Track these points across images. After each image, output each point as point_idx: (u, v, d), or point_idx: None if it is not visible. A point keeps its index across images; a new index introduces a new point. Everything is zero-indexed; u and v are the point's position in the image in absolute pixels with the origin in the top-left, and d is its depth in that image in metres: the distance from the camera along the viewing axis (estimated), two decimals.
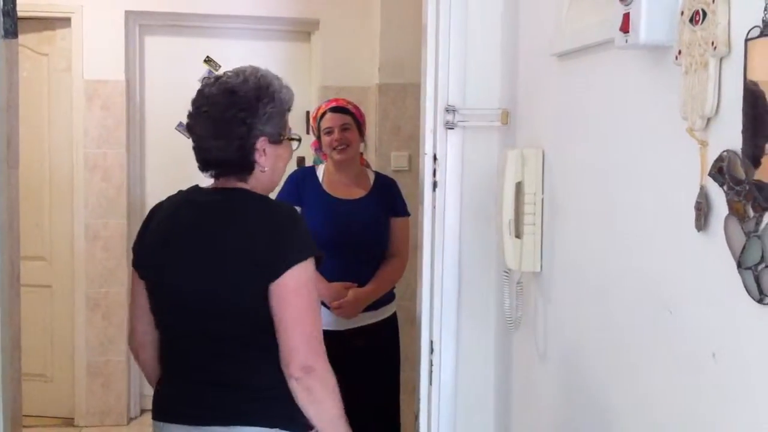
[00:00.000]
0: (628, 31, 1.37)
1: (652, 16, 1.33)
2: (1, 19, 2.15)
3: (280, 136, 1.85)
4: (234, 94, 1.79)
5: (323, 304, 2.85)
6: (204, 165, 1.85)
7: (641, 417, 1.43)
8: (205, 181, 1.90)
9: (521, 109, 2.17)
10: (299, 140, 1.92)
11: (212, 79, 1.84)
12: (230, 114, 1.78)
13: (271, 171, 1.85)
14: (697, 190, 1.22)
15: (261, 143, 1.80)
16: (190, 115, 1.83)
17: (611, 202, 1.57)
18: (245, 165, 1.82)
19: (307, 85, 4.48)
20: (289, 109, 1.88)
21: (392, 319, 3.13)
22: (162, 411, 1.86)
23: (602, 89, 1.64)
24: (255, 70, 1.85)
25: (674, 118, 1.27)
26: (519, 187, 1.98)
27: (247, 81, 1.81)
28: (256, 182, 1.85)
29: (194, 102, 1.83)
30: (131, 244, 1.96)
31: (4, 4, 2.15)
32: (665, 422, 1.34)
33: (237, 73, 1.84)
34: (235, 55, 3.95)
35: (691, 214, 1.23)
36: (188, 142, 1.88)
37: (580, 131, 1.76)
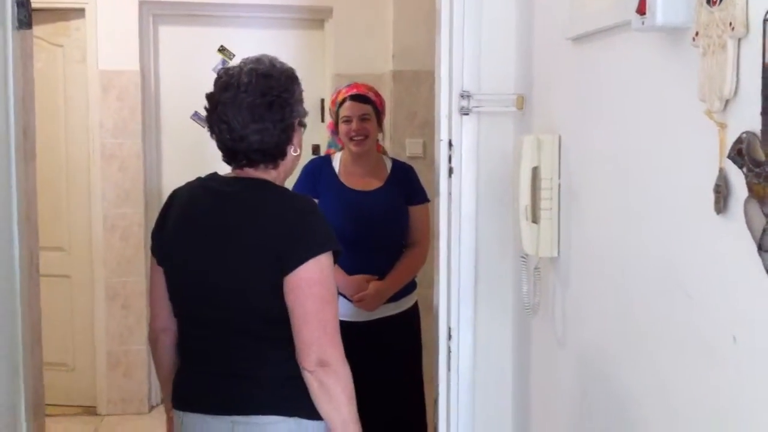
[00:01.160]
0: (644, 13, 1.35)
1: None
2: (16, 10, 2.16)
3: (304, 119, 1.88)
4: (270, 78, 1.79)
5: (343, 296, 2.85)
6: (233, 155, 1.83)
7: (660, 401, 1.43)
8: (222, 168, 1.90)
9: (536, 94, 2.16)
10: (304, 126, 1.92)
11: (237, 69, 1.82)
12: (271, 97, 1.77)
13: (295, 156, 1.88)
14: (716, 173, 1.21)
15: (296, 124, 1.83)
16: (218, 103, 1.79)
17: (628, 186, 1.56)
18: (280, 151, 1.82)
19: (321, 73, 4.48)
20: None
21: (414, 310, 3.09)
22: (182, 400, 1.87)
23: (618, 72, 1.62)
24: (273, 57, 1.87)
25: (692, 100, 1.26)
26: (535, 172, 1.97)
27: (275, 65, 1.83)
28: (278, 171, 1.85)
29: (222, 90, 1.79)
30: (149, 234, 1.97)
31: None
32: (685, 406, 1.34)
33: (258, 60, 1.84)
34: (249, 44, 3.95)
35: (710, 197, 1.22)
36: (203, 131, 1.87)
37: (596, 115, 1.75)
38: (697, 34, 1.26)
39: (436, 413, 2.39)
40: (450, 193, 2.29)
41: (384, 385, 2.83)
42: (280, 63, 1.86)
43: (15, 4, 2.16)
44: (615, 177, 1.64)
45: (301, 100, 1.86)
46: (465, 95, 2.26)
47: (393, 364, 2.94)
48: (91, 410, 4.58)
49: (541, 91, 2.13)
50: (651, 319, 1.46)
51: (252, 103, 1.76)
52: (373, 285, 2.89)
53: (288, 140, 1.83)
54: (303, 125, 1.89)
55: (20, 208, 2.19)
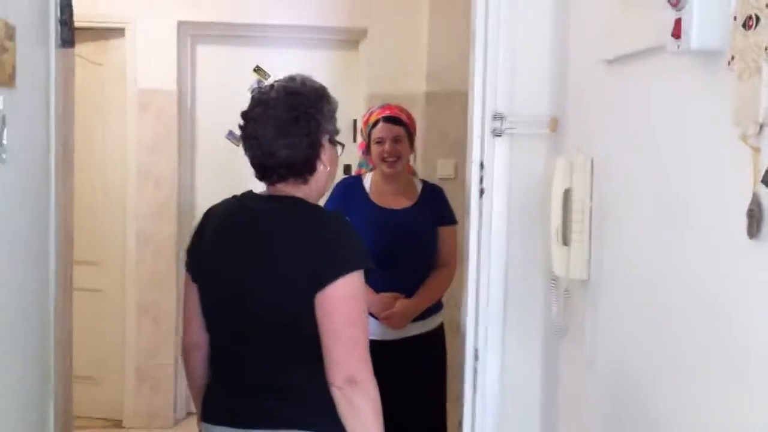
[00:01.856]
0: (679, 37, 1.36)
1: (705, 22, 1.32)
2: (59, 29, 2.21)
3: (335, 137, 1.89)
4: (297, 95, 1.82)
5: (370, 314, 2.85)
6: (263, 171, 1.85)
7: (692, 426, 1.41)
8: (257, 186, 1.92)
9: (570, 116, 2.16)
10: (343, 146, 1.94)
11: (268, 86, 1.86)
12: (297, 112, 1.80)
13: (328, 172, 1.88)
14: (750, 197, 1.20)
15: (325, 140, 1.84)
16: (250, 120, 1.83)
17: (661, 209, 1.56)
18: (309, 166, 1.83)
19: (355, 94, 4.50)
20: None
21: (440, 329, 3.09)
22: (211, 414, 1.88)
23: (652, 95, 1.62)
24: (306, 76, 1.90)
25: (726, 124, 1.26)
26: (567, 194, 1.96)
27: (305, 84, 1.86)
28: (311, 188, 1.87)
29: (253, 107, 1.83)
30: (181, 250, 1.99)
31: (62, 15, 2.22)
32: (717, 430, 1.32)
33: (291, 78, 1.87)
34: (284, 64, 3.99)
35: (744, 221, 1.21)
36: (237, 150, 1.90)
37: (629, 138, 1.74)
38: (732, 58, 1.26)
39: None
40: (481, 214, 2.29)
41: (408, 404, 2.82)
42: (312, 81, 1.89)
43: (58, 23, 2.21)
44: (648, 200, 1.63)
45: (330, 118, 1.87)
46: (498, 117, 2.26)
47: (418, 384, 2.93)
48: (117, 423, 4.60)
49: (574, 113, 2.13)
50: (684, 341, 1.44)
51: (279, 119, 1.79)
52: (401, 303, 2.90)
53: (316, 156, 1.84)
54: (335, 143, 1.90)
55: (58, 221, 2.23)
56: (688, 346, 1.42)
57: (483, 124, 2.29)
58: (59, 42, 2.22)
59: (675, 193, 1.50)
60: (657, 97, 1.60)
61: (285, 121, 1.79)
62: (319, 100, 1.85)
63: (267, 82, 1.90)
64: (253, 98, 1.86)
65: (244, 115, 1.86)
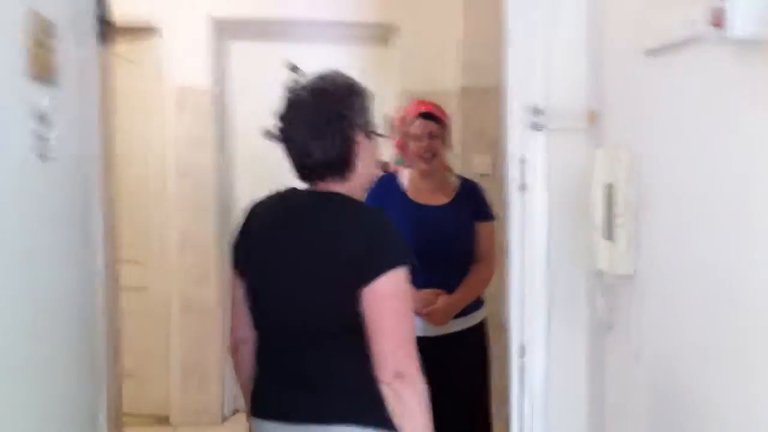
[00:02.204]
0: (721, 26, 1.34)
1: (746, 10, 1.30)
2: (98, 27, 2.24)
3: (371, 131, 1.89)
4: (326, 92, 1.83)
5: None
6: (303, 171, 1.88)
7: (745, 418, 1.39)
8: (295, 183, 1.94)
9: (608, 109, 2.14)
10: (382, 136, 1.95)
11: (299, 87, 1.87)
12: (327, 111, 1.81)
13: (368, 167, 1.89)
14: None
15: (359, 136, 1.85)
16: (284, 123, 1.86)
17: (705, 202, 1.54)
18: (347, 163, 1.85)
19: (388, 90, 4.50)
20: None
21: (482, 325, 3.09)
22: (259, 408, 1.90)
23: (693, 86, 1.60)
24: (337, 71, 1.91)
25: None
26: (609, 188, 1.95)
27: (335, 80, 1.86)
28: (352, 184, 1.88)
29: (285, 110, 1.86)
30: (222, 246, 2.02)
31: (99, 12, 2.24)
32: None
33: (321, 77, 1.88)
34: (317, 60, 4.00)
35: None
36: (275, 146, 1.92)
37: (671, 130, 1.73)
38: None
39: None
40: (524, 209, 2.28)
41: (451, 400, 2.82)
42: (342, 76, 1.89)
43: (97, 21, 2.24)
44: (692, 193, 1.61)
45: (363, 112, 1.87)
46: (536, 111, 2.25)
47: (460, 379, 2.93)
48: (164, 420, 4.66)
49: (613, 105, 2.11)
50: (732, 334, 1.43)
51: (311, 121, 1.81)
52: (442, 299, 2.90)
53: (352, 153, 1.85)
54: (371, 136, 1.90)
55: (104, 221, 2.26)
56: (739, 340, 1.41)
57: (521, 119, 2.28)
58: (99, 39, 2.25)
59: (718, 185, 1.48)
60: (697, 87, 1.58)
61: (316, 123, 1.81)
62: (348, 96, 1.85)
63: (301, 79, 1.90)
64: (285, 97, 1.88)
65: (280, 117, 1.88)
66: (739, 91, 1.40)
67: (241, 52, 4.68)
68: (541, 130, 2.25)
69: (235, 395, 4.63)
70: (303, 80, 1.88)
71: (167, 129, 4.55)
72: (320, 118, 1.81)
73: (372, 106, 1.91)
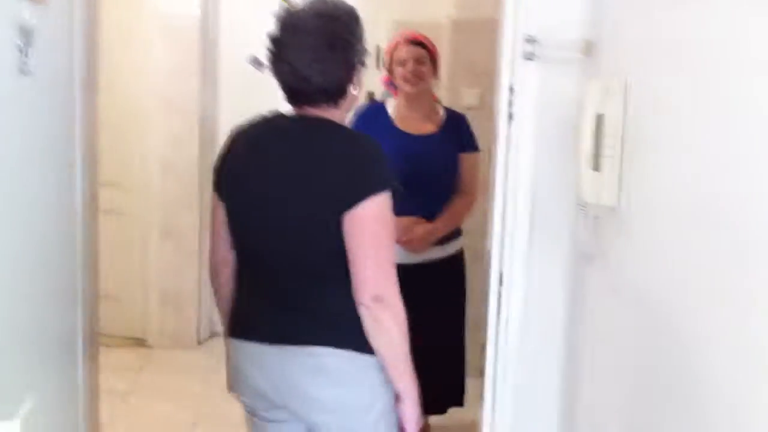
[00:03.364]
0: None
1: None
2: None
3: (364, 58, 1.87)
4: (332, 19, 1.79)
5: None
6: (294, 95, 1.84)
7: (728, 353, 1.39)
8: (283, 108, 1.91)
9: (604, 39, 2.10)
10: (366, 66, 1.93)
11: (299, 9, 1.82)
12: (333, 38, 1.77)
13: (357, 94, 1.89)
14: None
15: (358, 65, 1.84)
16: (281, 44, 1.80)
17: (703, 136, 1.51)
18: (342, 90, 1.82)
19: (379, 19, 4.42)
20: None
21: (459, 255, 3.14)
22: (237, 329, 1.91)
23: (693, 13, 1.56)
24: None
25: None
26: (600, 119, 1.92)
27: (338, 6, 1.83)
28: (340, 110, 1.87)
29: (284, 31, 1.80)
30: (203, 174, 2.00)
31: None
32: (756, 359, 1.31)
33: (322, 1, 1.83)
34: None
35: None
36: (260, 76, 1.88)
37: (668, 59, 1.69)
38: None
39: (483, 358, 2.40)
40: (509, 139, 2.26)
41: (427, 325, 2.85)
42: (344, 3, 1.86)
43: None
44: (686, 126, 1.59)
45: (362, 40, 1.86)
46: (530, 40, 2.21)
47: (437, 306, 2.98)
48: (141, 342, 4.72)
49: (609, 35, 2.07)
50: (720, 272, 1.42)
51: (315, 45, 1.77)
52: (421, 227, 2.94)
53: (349, 79, 1.84)
54: (363, 64, 1.89)
55: (84, 140, 2.22)
56: (723, 272, 1.41)
57: (513, 48, 2.24)
58: None
59: (718, 118, 1.46)
60: (696, 14, 1.54)
61: (320, 48, 1.77)
62: (354, 23, 1.83)
63: (296, 5, 1.85)
64: (281, 21, 1.81)
65: (274, 39, 1.81)
66: (744, 18, 1.36)
67: None
68: (532, 59, 2.22)
69: (212, 319, 4.67)
70: (300, 4, 1.83)
71: (151, 56, 4.48)
72: (325, 43, 1.77)
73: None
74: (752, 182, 1.31)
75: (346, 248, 1.74)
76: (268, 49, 1.84)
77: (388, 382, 1.81)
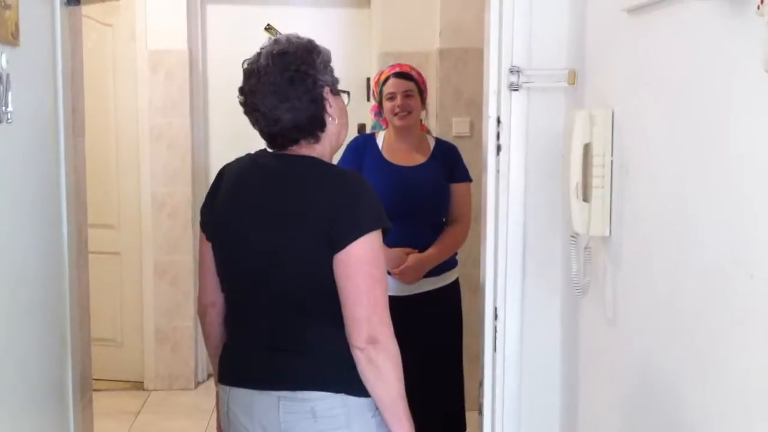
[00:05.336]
0: None
1: None
2: None
3: (337, 88, 1.85)
4: (286, 54, 1.78)
5: None
6: (272, 139, 1.83)
7: (716, 384, 1.38)
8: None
9: (589, 69, 2.10)
10: (348, 93, 1.91)
11: (256, 55, 1.82)
12: (291, 72, 1.76)
13: (339, 124, 1.85)
14: None
15: (326, 93, 1.81)
16: (248, 93, 1.80)
17: (687, 164, 1.50)
18: (317, 122, 1.80)
19: (367, 52, 4.45)
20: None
21: (454, 286, 3.11)
22: (228, 375, 1.87)
23: (677, 44, 1.56)
24: (291, 34, 1.86)
25: (757, 72, 1.20)
26: (587, 149, 1.91)
27: (291, 41, 1.82)
28: (324, 145, 1.84)
29: (248, 80, 1.81)
30: (196, 212, 1.98)
31: None
32: (741, 391, 1.29)
33: (275, 41, 1.83)
34: (295, 23, 3.93)
35: None
36: None
37: (652, 89, 1.69)
38: (762, 1, 1.19)
39: (480, 394, 2.36)
40: (498, 171, 2.25)
41: (423, 359, 2.82)
42: (297, 38, 1.84)
43: None
44: (672, 154, 1.58)
45: (325, 69, 1.83)
46: (514, 70, 2.20)
47: (432, 339, 2.94)
48: (138, 385, 4.67)
49: (594, 65, 2.07)
50: (708, 300, 1.40)
51: (274, 84, 1.76)
52: (413, 257, 2.92)
53: (321, 110, 1.80)
54: (337, 93, 1.86)
55: (69, 184, 2.21)
56: (713, 304, 1.38)
57: (499, 78, 2.23)
58: (65, 0, 2.18)
59: (700, 146, 1.45)
60: (681, 45, 1.54)
61: (281, 85, 1.76)
62: (308, 53, 1.80)
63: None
64: (245, 71, 1.82)
65: (241, 90, 1.82)
66: (724, 50, 1.36)
67: (217, 15, 4.62)
68: (518, 89, 2.21)
69: (209, 360, 4.61)
70: (258, 51, 1.83)
71: (141, 92, 4.49)
72: (283, 80, 1.76)
73: (330, 63, 1.85)
74: (743, 210, 1.29)
75: (338, 289, 1.71)
76: (240, 102, 1.84)
77: (384, 424, 1.77)
